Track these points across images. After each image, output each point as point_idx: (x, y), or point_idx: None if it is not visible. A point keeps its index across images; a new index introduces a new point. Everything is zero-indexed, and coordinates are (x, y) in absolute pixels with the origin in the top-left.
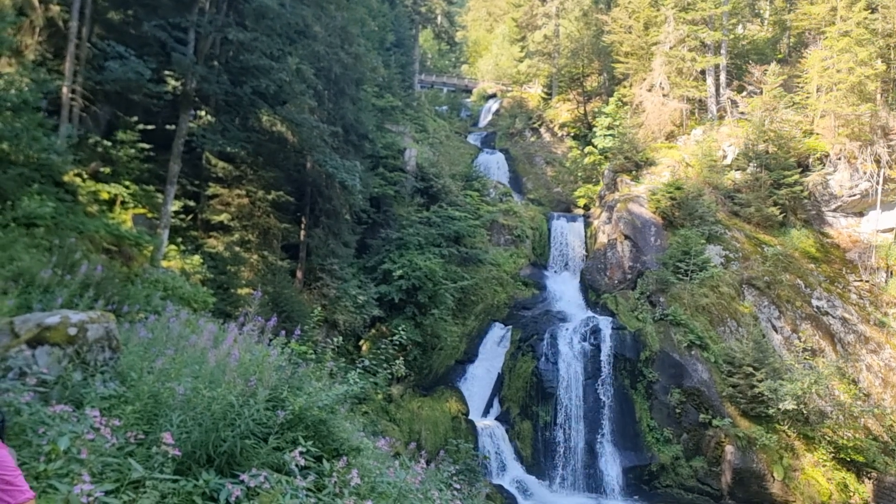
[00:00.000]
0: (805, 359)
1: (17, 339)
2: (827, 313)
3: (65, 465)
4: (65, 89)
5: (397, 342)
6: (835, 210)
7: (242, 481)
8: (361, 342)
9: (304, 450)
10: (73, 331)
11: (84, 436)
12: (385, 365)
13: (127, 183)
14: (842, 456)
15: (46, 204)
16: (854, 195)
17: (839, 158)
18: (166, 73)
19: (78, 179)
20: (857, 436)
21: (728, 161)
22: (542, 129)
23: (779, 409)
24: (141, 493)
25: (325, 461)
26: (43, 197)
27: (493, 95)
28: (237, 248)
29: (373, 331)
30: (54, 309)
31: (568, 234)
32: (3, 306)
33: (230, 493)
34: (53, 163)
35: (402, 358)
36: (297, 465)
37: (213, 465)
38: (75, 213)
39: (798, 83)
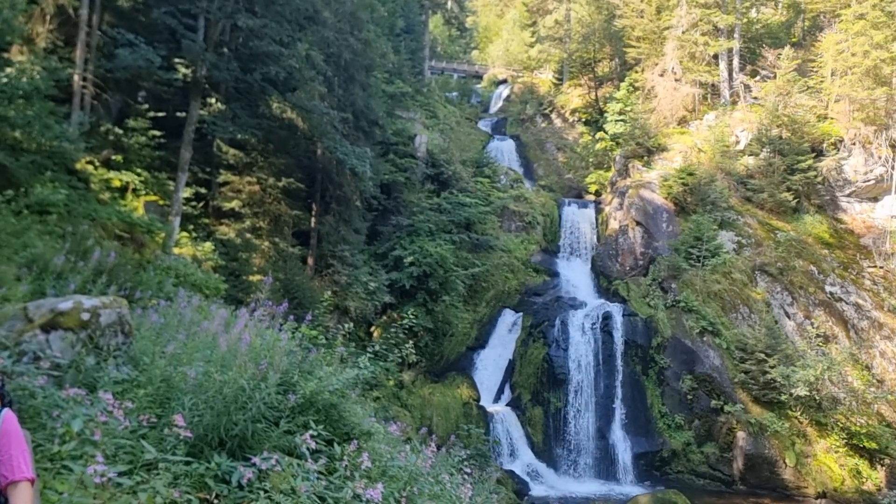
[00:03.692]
0: (818, 345)
1: (31, 324)
2: (840, 299)
3: (78, 446)
4: (76, 77)
5: (407, 326)
6: (849, 195)
7: (254, 464)
8: (373, 329)
9: (315, 433)
10: (86, 316)
11: (97, 418)
12: (396, 350)
13: (138, 170)
14: (854, 442)
15: (59, 191)
16: (868, 180)
17: (854, 143)
18: (176, 60)
19: (90, 167)
20: (870, 422)
21: (741, 146)
22: (553, 115)
23: (791, 396)
24: (154, 474)
25: (335, 445)
26: (56, 184)
27: (504, 81)
28: (248, 235)
29: (384, 317)
30: (67, 294)
31: (579, 221)
32: (17, 292)
33: (242, 475)
34: (66, 150)
35: (412, 342)
36: (308, 449)
37: (225, 448)
38: (88, 201)
39: (812, 67)
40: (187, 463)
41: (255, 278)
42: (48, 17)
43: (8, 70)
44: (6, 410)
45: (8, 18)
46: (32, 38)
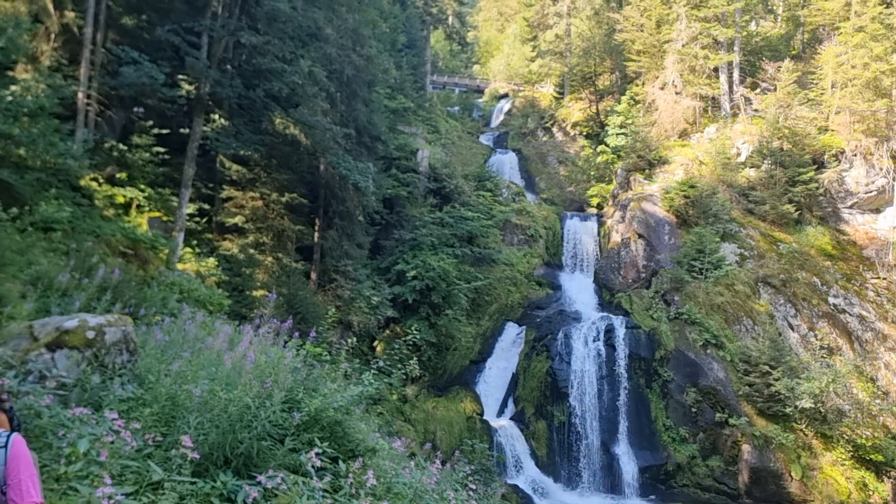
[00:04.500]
0: (822, 357)
1: (37, 343)
2: (844, 311)
3: (84, 467)
4: (80, 94)
5: (411, 342)
6: (851, 207)
7: (259, 482)
8: (376, 343)
9: (320, 451)
10: (91, 334)
11: (103, 438)
12: (399, 365)
13: (142, 186)
14: (860, 455)
15: (63, 208)
16: (870, 192)
17: (855, 155)
18: (180, 77)
19: (94, 184)
20: (875, 434)
21: (742, 159)
22: (555, 129)
23: (796, 408)
24: (160, 494)
25: (341, 462)
26: (60, 201)
27: (505, 95)
28: (252, 251)
29: (387, 331)
30: (72, 312)
31: (581, 234)
32: (22, 310)
33: (247, 494)
34: (70, 167)
35: (416, 358)
36: (313, 466)
37: (231, 467)
38: (92, 217)
39: (812, 79)
40: (193, 482)
41: (258, 294)
42: (53, 36)
43: (13, 88)
44: (15, 435)
45: (13, 37)
46: (37, 56)
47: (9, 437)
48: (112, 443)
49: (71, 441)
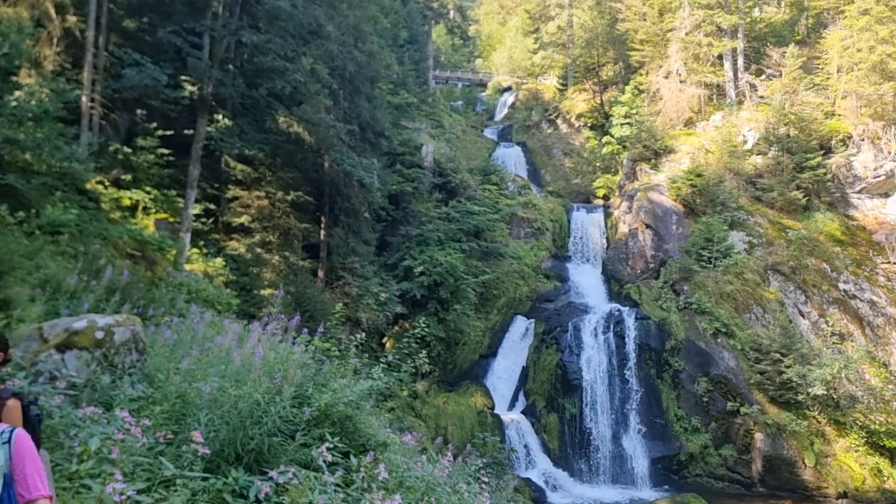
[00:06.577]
0: (834, 343)
1: (47, 345)
2: (855, 297)
3: (96, 465)
4: (84, 98)
5: (419, 336)
6: (859, 192)
7: (271, 478)
8: (385, 339)
9: (332, 446)
10: (100, 334)
11: (114, 436)
12: (409, 360)
13: (148, 188)
14: (874, 440)
15: (70, 212)
16: (879, 176)
17: (862, 139)
18: (183, 78)
19: (100, 187)
20: (889, 420)
21: (748, 146)
22: (559, 121)
23: (808, 395)
24: (172, 491)
25: (352, 457)
26: (66, 205)
27: (509, 88)
28: (258, 250)
29: (396, 328)
30: (81, 314)
31: (588, 225)
32: (31, 313)
33: (259, 489)
34: (75, 171)
35: (424, 352)
36: (324, 461)
37: (242, 463)
38: (99, 220)
39: (818, 64)
40: (205, 478)
41: (266, 292)
42: (55, 40)
43: (17, 93)
44: (18, 430)
45: (16, 42)
46: (40, 61)
47: (11, 432)
48: (123, 440)
49: (82, 440)
